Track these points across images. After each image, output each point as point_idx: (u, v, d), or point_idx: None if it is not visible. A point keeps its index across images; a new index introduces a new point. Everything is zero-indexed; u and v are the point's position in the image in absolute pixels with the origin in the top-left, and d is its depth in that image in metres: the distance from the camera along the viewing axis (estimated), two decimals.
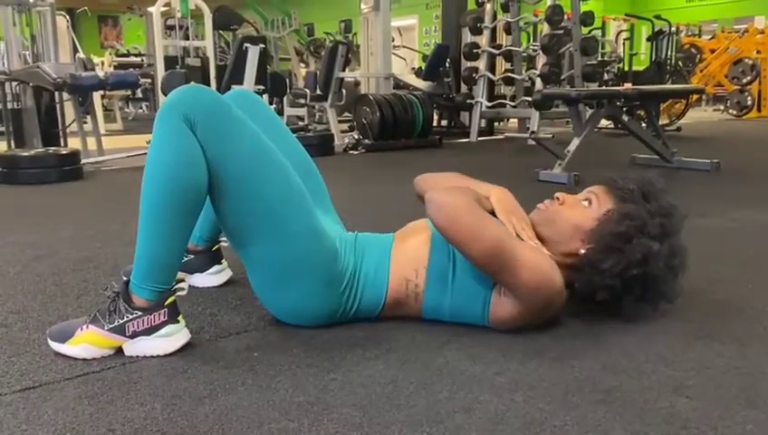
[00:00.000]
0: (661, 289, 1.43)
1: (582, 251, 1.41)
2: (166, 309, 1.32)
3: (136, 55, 11.47)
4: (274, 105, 6.50)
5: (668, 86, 7.05)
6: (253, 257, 1.40)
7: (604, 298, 1.42)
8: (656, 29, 8.16)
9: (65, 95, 4.53)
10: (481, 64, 6.73)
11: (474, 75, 6.75)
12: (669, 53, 8.16)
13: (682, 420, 1.06)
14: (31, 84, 4.47)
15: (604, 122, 5.92)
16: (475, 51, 6.79)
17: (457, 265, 1.40)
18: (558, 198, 1.48)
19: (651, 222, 1.38)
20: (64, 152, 4.08)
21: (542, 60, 6.16)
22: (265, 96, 5.67)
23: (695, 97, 9.39)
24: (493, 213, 1.44)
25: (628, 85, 6.49)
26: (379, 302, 1.45)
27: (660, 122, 5.88)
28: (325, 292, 1.41)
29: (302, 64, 10.34)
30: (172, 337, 1.32)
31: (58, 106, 4.67)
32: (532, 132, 5.83)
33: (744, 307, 1.62)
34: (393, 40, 8.39)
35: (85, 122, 4.87)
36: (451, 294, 1.42)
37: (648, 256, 1.36)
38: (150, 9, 7.28)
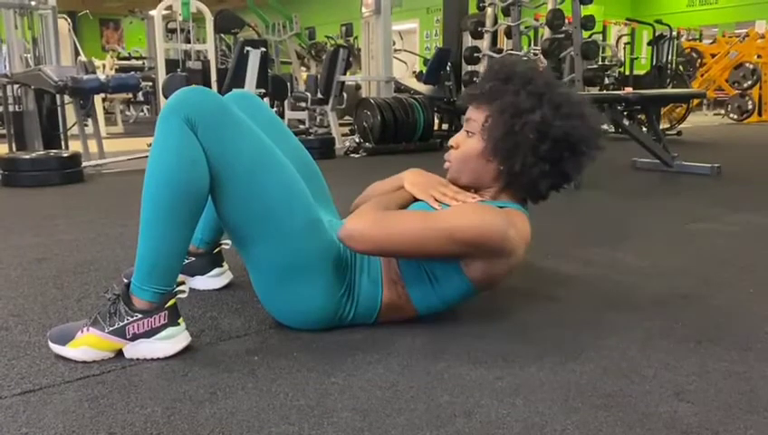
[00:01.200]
0: (580, 136, 1.40)
1: (500, 168, 1.43)
2: (166, 312, 1.32)
3: (137, 58, 11.50)
4: (275, 108, 6.51)
5: (669, 90, 7.05)
6: (255, 257, 1.40)
7: (551, 182, 1.43)
8: (656, 33, 8.18)
9: (67, 98, 4.53)
10: (482, 68, 6.74)
11: (475, 79, 6.75)
12: (670, 57, 8.18)
13: (683, 425, 1.06)
14: (32, 87, 4.47)
15: (605, 126, 5.91)
16: (475, 55, 6.79)
17: (424, 261, 1.42)
18: (451, 145, 1.51)
19: (519, 99, 1.38)
20: (65, 155, 4.08)
21: (542, 64, 6.17)
22: (266, 99, 5.67)
23: (695, 101, 9.42)
24: (416, 199, 1.48)
25: (628, 89, 6.49)
26: (376, 304, 1.45)
27: (661, 127, 5.88)
28: (326, 292, 1.41)
29: (304, 68, 10.35)
30: (172, 340, 1.32)
31: (59, 109, 4.66)
32: None
33: (744, 312, 1.62)
34: (394, 44, 8.39)
35: (86, 125, 4.87)
36: (433, 287, 1.43)
37: (539, 127, 1.36)
38: (152, 12, 7.31)
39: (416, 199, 1.49)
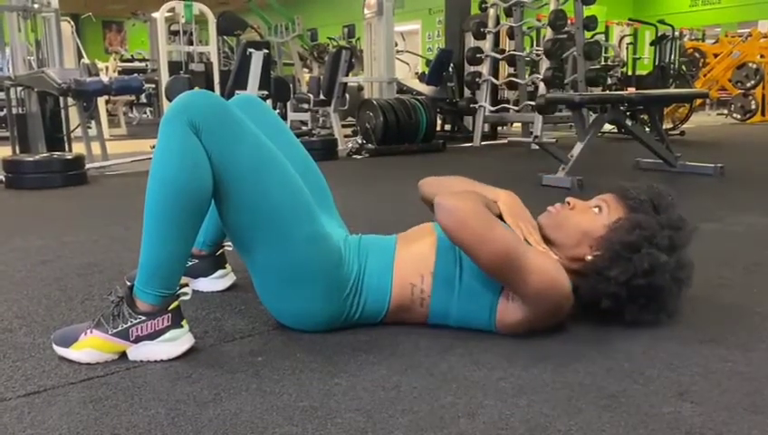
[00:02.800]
0: (664, 301, 1.43)
1: (590, 257, 1.41)
2: (170, 314, 1.32)
3: (140, 60, 11.53)
4: (278, 110, 6.52)
5: (672, 90, 7.05)
6: (257, 261, 1.40)
7: (608, 306, 1.42)
8: (659, 33, 8.17)
9: (70, 100, 4.55)
10: (484, 69, 6.75)
11: (477, 80, 6.76)
12: (673, 57, 8.17)
13: (687, 426, 1.06)
14: (36, 89, 4.49)
15: (607, 127, 5.92)
16: (478, 55, 6.80)
17: (464, 270, 1.40)
18: (569, 203, 1.49)
19: (661, 233, 1.38)
20: (69, 157, 4.09)
21: (545, 64, 6.17)
22: (269, 101, 5.68)
23: (698, 101, 9.38)
24: (500, 217, 1.44)
25: (631, 89, 6.49)
26: (383, 307, 1.45)
27: (664, 127, 5.87)
28: (329, 296, 1.41)
29: (306, 69, 10.36)
30: (176, 342, 1.33)
31: (63, 111, 4.68)
32: (536, 137, 5.82)
33: (748, 312, 1.61)
34: (396, 45, 8.39)
35: (89, 127, 4.89)
36: (458, 300, 1.42)
37: (656, 266, 1.36)
38: (154, 14, 7.32)
39: (500, 218, 1.45)
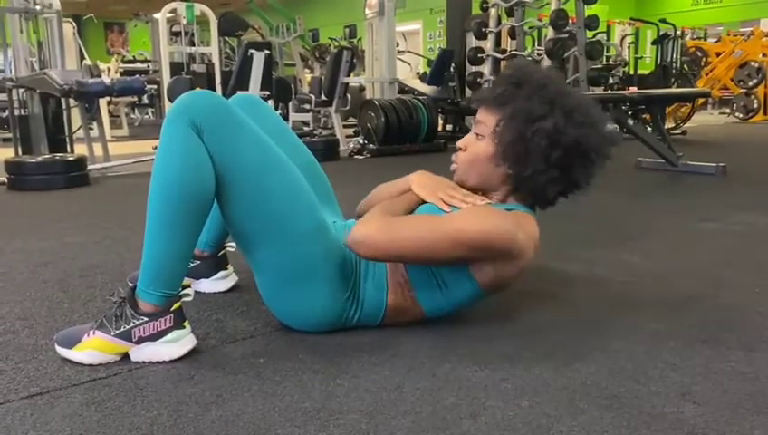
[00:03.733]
0: (591, 143, 1.40)
1: (509, 172, 1.42)
2: (172, 315, 1.32)
3: (142, 61, 11.54)
4: (279, 111, 6.52)
5: (674, 90, 7.04)
6: (260, 261, 1.41)
7: (559, 189, 1.43)
8: (661, 33, 8.16)
9: (72, 102, 4.56)
10: (485, 69, 6.75)
11: (478, 80, 6.76)
12: (675, 56, 8.16)
13: (689, 426, 1.06)
14: (38, 91, 4.50)
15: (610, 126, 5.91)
16: (479, 55, 6.80)
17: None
18: (460, 147, 1.50)
19: (531, 105, 1.37)
20: (71, 158, 4.10)
21: (546, 64, 6.16)
22: (270, 101, 5.68)
23: (700, 100, 9.38)
24: (424, 201, 1.47)
25: (633, 89, 6.48)
26: (381, 307, 1.45)
27: (666, 126, 5.87)
28: (331, 295, 1.41)
29: (307, 70, 10.37)
30: (178, 343, 1.33)
31: (65, 112, 4.69)
32: None
33: (750, 312, 1.61)
34: (398, 45, 8.39)
35: (91, 128, 4.89)
36: (441, 290, 1.42)
37: (552, 134, 1.36)
38: (156, 15, 7.32)
39: (423, 202, 1.48)
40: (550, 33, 6.23)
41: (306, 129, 6.69)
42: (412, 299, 1.44)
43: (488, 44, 6.80)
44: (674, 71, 8.11)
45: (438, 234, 1.32)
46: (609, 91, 6.96)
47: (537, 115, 1.36)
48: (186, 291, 1.36)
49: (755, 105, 9.69)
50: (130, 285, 1.35)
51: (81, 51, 7.59)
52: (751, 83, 9.59)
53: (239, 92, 5.15)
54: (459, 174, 1.50)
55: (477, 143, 1.46)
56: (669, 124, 7.50)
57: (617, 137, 1.46)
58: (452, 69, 7.49)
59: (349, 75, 6.61)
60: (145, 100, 9.81)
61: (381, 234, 1.33)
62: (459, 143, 1.51)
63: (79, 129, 4.66)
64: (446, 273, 1.41)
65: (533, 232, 1.41)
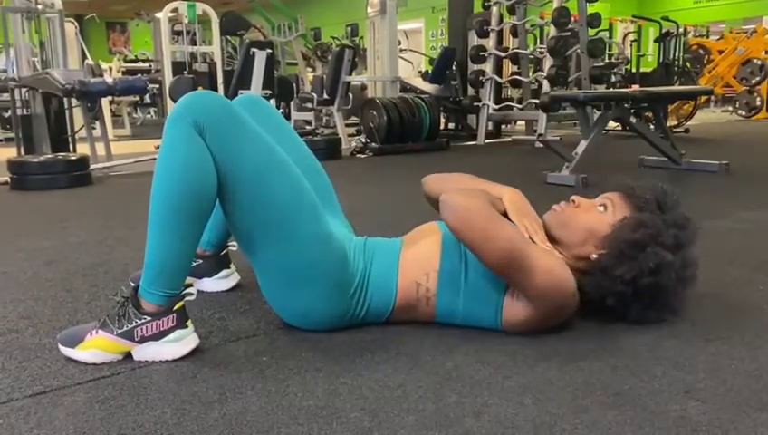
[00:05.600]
0: (669, 300, 1.43)
1: (595, 256, 1.41)
2: (174, 314, 1.32)
3: (144, 61, 11.55)
4: (282, 110, 6.52)
5: (676, 87, 7.02)
6: (262, 261, 1.41)
7: (613, 304, 1.42)
8: (663, 30, 8.15)
9: (74, 101, 4.56)
10: (488, 67, 6.74)
11: (480, 78, 6.75)
12: (677, 54, 8.14)
13: (693, 424, 1.06)
14: (40, 91, 4.50)
15: (612, 124, 5.90)
16: (481, 54, 6.79)
17: (469, 268, 1.40)
18: (574, 201, 1.49)
19: (666, 232, 1.38)
20: (73, 158, 4.10)
21: (548, 62, 6.15)
22: (273, 101, 5.68)
23: (703, 98, 9.36)
24: (505, 215, 1.45)
25: (635, 87, 6.47)
26: (388, 306, 1.45)
27: (668, 124, 5.86)
28: (334, 295, 1.41)
29: (309, 69, 10.36)
30: (181, 342, 1.33)
31: (67, 112, 4.69)
32: (540, 135, 5.82)
33: (754, 310, 1.61)
34: (400, 43, 8.39)
35: (94, 128, 4.89)
36: (463, 298, 1.42)
37: (661, 265, 1.36)
38: (158, 15, 7.33)
39: (505, 215, 1.46)
40: (552, 31, 6.22)
41: (308, 128, 6.69)
42: (428, 299, 1.43)
43: (490, 43, 6.79)
44: (676, 68, 8.09)
45: (521, 252, 1.31)
46: (612, 89, 6.95)
47: (665, 244, 1.37)
48: (188, 290, 1.36)
49: (758, 103, 9.66)
50: (133, 284, 1.35)
51: (83, 50, 7.60)
52: (754, 81, 9.56)
53: (242, 92, 5.15)
54: (555, 221, 1.48)
55: (594, 211, 1.46)
56: (672, 122, 7.49)
57: (681, 309, 1.49)
58: (454, 67, 7.48)
59: (351, 74, 6.60)
60: (147, 99, 9.81)
61: (479, 214, 1.33)
62: (576, 198, 1.49)
63: (81, 128, 4.66)
64: (478, 291, 1.40)
65: (574, 308, 1.41)
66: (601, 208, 1.46)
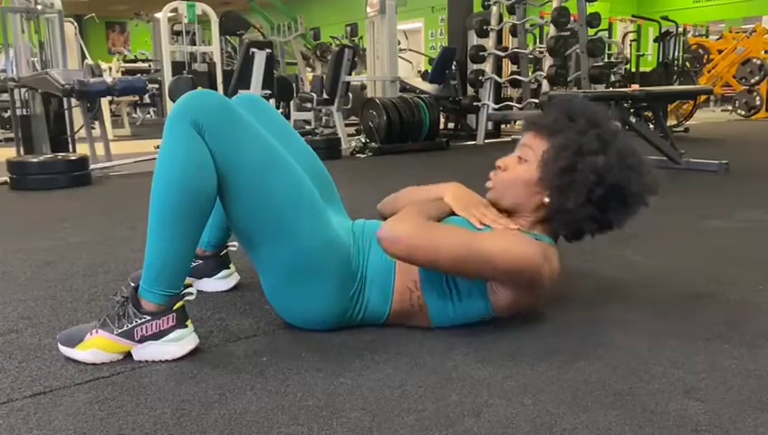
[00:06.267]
0: (634, 189, 1.40)
1: (546, 201, 1.42)
2: (174, 314, 1.32)
3: (143, 61, 11.55)
4: (281, 109, 6.52)
5: (676, 87, 7.03)
6: (263, 259, 1.40)
7: (593, 228, 1.43)
8: (663, 30, 8.15)
9: (74, 101, 4.56)
10: (487, 67, 6.73)
11: (480, 78, 6.75)
12: (676, 53, 8.15)
13: (693, 423, 1.06)
14: (39, 91, 4.50)
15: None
16: (481, 53, 6.79)
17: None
18: (499, 166, 1.49)
19: (585, 139, 1.37)
20: (73, 158, 4.10)
21: (548, 62, 6.16)
22: (272, 100, 5.68)
23: (702, 98, 9.36)
24: (453, 212, 1.46)
25: (635, 86, 6.47)
26: (385, 307, 1.45)
27: (668, 123, 5.86)
28: (336, 293, 1.41)
29: (309, 68, 10.36)
30: (181, 342, 1.33)
31: (66, 112, 4.69)
32: None
33: (754, 309, 1.61)
34: (399, 43, 8.39)
35: (93, 128, 4.89)
36: (451, 300, 1.42)
37: (600, 170, 1.35)
38: (157, 15, 7.33)
39: (453, 213, 1.47)
40: (551, 30, 6.22)
41: (308, 127, 6.69)
42: (420, 306, 1.43)
43: (490, 42, 6.79)
44: (676, 68, 8.10)
45: (472, 249, 1.31)
46: (611, 89, 6.95)
47: (590, 150, 1.36)
48: (188, 290, 1.36)
49: (758, 102, 9.67)
50: (133, 284, 1.35)
51: (82, 50, 7.59)
52: (753, 80, 9.57)
53: (241, 92, 5.15)
54: (495, 193, 1.49)
55: (520, 166, 1.46)
56: (671, 122, 7.49)
57: (657, 187, 1.46)
58: (454, 67, 7.48)
59: (350, 74, 6.60)
60: (146, 99, 9.81)
61: (417, 235, 1.32)
62: (499, 162, 1.49)
63: (81, 128, 4.65)
64: (463, 288, 1.40)
65: (556, 266, 1.41)
66: (522, 157, 1.46)
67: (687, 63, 9.08)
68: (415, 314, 1.45)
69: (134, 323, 1.30)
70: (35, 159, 4.02)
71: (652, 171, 1.44)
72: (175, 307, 1.32)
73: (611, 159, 1.36)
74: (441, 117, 6.92)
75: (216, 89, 6.29)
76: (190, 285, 1.38)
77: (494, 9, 6.73)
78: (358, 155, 5.63)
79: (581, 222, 1.41)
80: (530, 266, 1.32)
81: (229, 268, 1.81)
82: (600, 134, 1.38)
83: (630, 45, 9.83)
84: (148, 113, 11.22)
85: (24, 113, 4.61)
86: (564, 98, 1.47)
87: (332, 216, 1.50)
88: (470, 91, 7.17)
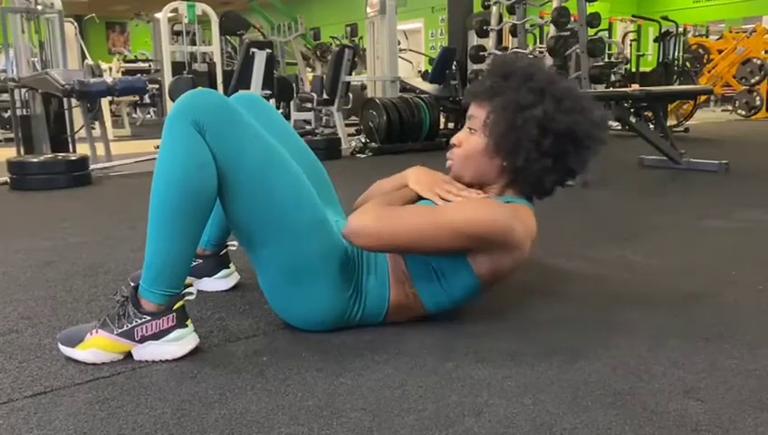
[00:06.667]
0: (583, 129, 1.40)
1: (503, 164, 1.43)
2: (174, 314, 1.32)
3: (143, 61, 11.55)
4: (281, 110, 6.52)
5: (676, 87, 7.03)
6: (263, 259, 1.41)
7: (555, 178, 1.44)
8: (663, 30, 8.15)
9: (74, 101, 4.56)
10: (486, 67, 6.73)
11: (479, 78, 6.74)
12: (677, 53, 8.15)
13: (693, 423, 1.06)
14: (40, 91, 4.50)
15: (612, 124, 5.90)
16: (481, 53, 6.78)
17: (430, 256, 1.42)
18: (454, 143, 1.51)
19: (520, 94, 1.38)
20: (73, 158, 4.10)
21: (548, 62, 6.15)
22: (272, 101, 5.68)
23: (702, 98, 9.35)
24: (420, 197, 1.48)
25: (635, 86, 6.47)
26: (383, 304, 1.45)
27: (668, 123, 5.86)
28: (335, 293, 1.41)
29: (309, 69, 10.36)
30: (181, 342, 1.33)
31: (67, 112, 4.69)
32: None
33: (754, 309, 1.61)
34: (399, 43, 8.39)
35: (93, 128, 4.89)
36: (439, 282, 1.43)
37: (542, 121, 1.36)
38: (157, 15, 7.33)
39: (420, 198, 1.50)
40: (551, 30, 6.21)
41: (308, 127, 6.69)
42: (413, 294, 1.44)
43: (490, 42, 6.79)
44: (676, 68, 8.10)
45: (434, 224, 1.33)
46: (611, 89, 6.95)
47: (526, 104, 1.37)
48: (188, 290, 1.36)
49: (758, 102, 9.66)
50: (133, 284, 1.35)
51: (82, 51, 7.59)
52: (753, 80, 9.56)
53: (240, 91, 5.15)
54: (455, 170, 1.51)
55: (471, 138, 1.47)
56: (671, 122, 7.49)
57: (607, 121, 1.46)
58: (454, 67, 7.48)
59: (350, 74, 6.60)
60: (147, 99, 9.81)
61: (378, 223, 1.34)
62: (453, 139, 1.52)
63: (81, 128, 4.65)
64: (445, 264, 1.41)
65: (530, 224, 1.41)
66: (471, 128, 1.47)
67: (687, 63, 9.08)
68: (410, 304, 1.45)
69: (134, 323, 1.30)
70: (35, 160, 4.02)
71: (595, 108, 1.45)
72: (175, 307, 1.32)
73: (549, 108, 1.37)
74: (441, 117, 6.92)
75: (216, 89, 6.27)
76: (190, 285, 1.38)
77: (494, 9, 6.73)
78: (358, 155, 5.63)
79: (541, 176, 1.42)
80: (498, 228, 1.33)
81: (229, 268, 1.81)
82: (533, 86, 1.39)
83: (630, 45, 9.82)
84: (149, 113, 11.22)
85: (25, 113, 4.61)
86: (497, 58, 1.48)
87: (330, 217, 1.50)
88: None
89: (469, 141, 1.48)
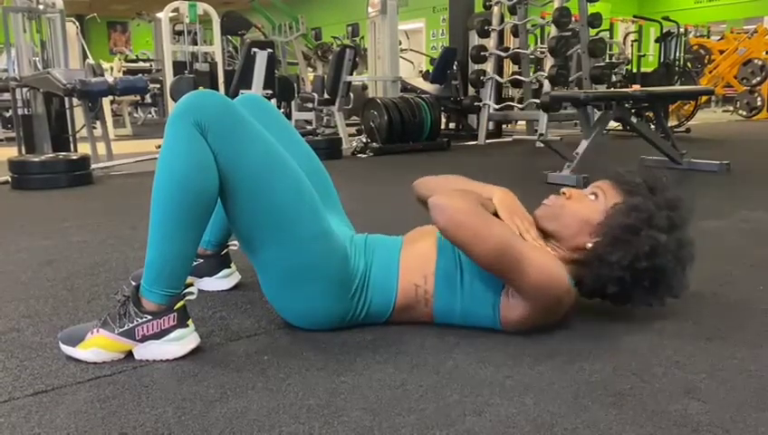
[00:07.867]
0: (669, 281, 1.42)
1: (590, 245, 1.41)
2: (175, 313, 1.32)
3: (145, 61, 11.56)
4: (282, 109, 6.52)
5: (677, 87, 7.02)
6: (264, 260, 1.41)
7: (614, 292, 1.42)
8: (664, 30, 8.15)
9: (75, 101, 4.56)
10: (488, 67, 6.73)
11: (481, 78, 6.75)
12: (678, 54, 8.14)
13: (694, 423, 1.06)
14: (41, 90, 4.50)
15: (613, 124, 5.91)
16: (482, 54, 6.79)
17: (465, 269, 1.41)
18: (565, 193, 1.49)
19: (658, 214, 1.38)
20: (74, 157, 4.10)
21: (549, 62, 6.15)
22: (273, 100, 5.68)
23: (704, 98, 9.35)
24: (496, 215, 1.44)
25: (636, 87, 6.47)
26: (389, 306, 1.45)
27: (669, 124, 5.86)
28: (336, 295, 1.41)
29: (310, 69, 10.37)
30: (182, 341, 1.33)
31: (68, 112, 4.69)
32: (541, 135, 5.82)
33: (755, 309, 1.61)
34: (400, 43, 8.39)
35: (95, 128, 4.90)
36: (461, 298, 1.42)
37: (657, 247, 1.36)
38: (159, 15, 7.33)
39: (496, 215, 1.46)
40: (553, 30, 6.22)
41: (309, 127, 6.69)
42: (426, 300, 1.44)
43: (491, 42, 6.78)
44: (677, 68, 8.10)
45: (514, 247, 1.32)
46: (613, 89, 6.94)
47: (658, 225, 1.37)
48: (189, 289, 1.36)
49: (759, 103, 9.66)
50: (134, 283, 1.35)
51: (84, 50, 7.60)
52: (754, 81, 9.55)
53: (243, 92, 5.15)
54: (547, 212, 1.47)
55: (585, 201, 1.46)
56: (672, 122, 7.49)
57: (683, 290, 1.47)
58: (455, 67, 7.48)
59: (351, 74, 6.60)
60: (148, 99, 9.82)
61: (468, 214, 1.33)
62: (566, 190, 1.49)
63: (82, 128, 4.66)
64: (477, 292, 1.40)
65: (572, 302, 1.42)
66: (593, 197, 1.46)
67: (689, 64, 9.07)
68: (419, 308, 1.45)
69: (135, 323, 1.31)
70: (37, 159, 4.02)
71: (688, 276, 1.46)
72: (176, 307, 1.32)
73: (670, 244, 1.37)
74: (442, 117, 6.93)
75: (217, 89, 6.30)
76: (191, 285, 1.38)
77: (496, 9, 6.73)
78: (359, 155, 5.63)
79: (610, 281, 1.40)
80: (559, 286, 1.34)
81: (230, 267, 1.81)
82: (673, 217, 1.39)
83: (632, 46, 9.82)
84: (150, 113, 11.23)
85: (26, 113, 4.62)
86: (653, 173, 1.48)
87: (331, 218, 1.50)
88: (471, 91, 7.17)
89: (582, 203, 1.45)
